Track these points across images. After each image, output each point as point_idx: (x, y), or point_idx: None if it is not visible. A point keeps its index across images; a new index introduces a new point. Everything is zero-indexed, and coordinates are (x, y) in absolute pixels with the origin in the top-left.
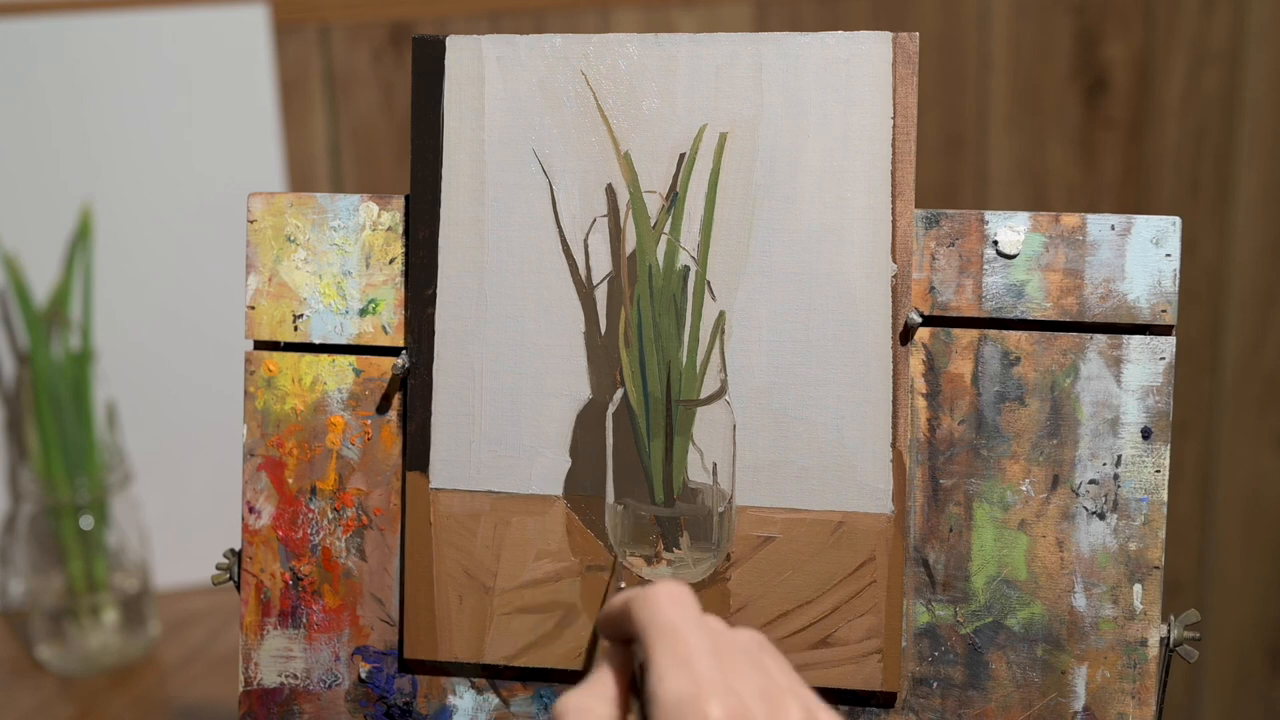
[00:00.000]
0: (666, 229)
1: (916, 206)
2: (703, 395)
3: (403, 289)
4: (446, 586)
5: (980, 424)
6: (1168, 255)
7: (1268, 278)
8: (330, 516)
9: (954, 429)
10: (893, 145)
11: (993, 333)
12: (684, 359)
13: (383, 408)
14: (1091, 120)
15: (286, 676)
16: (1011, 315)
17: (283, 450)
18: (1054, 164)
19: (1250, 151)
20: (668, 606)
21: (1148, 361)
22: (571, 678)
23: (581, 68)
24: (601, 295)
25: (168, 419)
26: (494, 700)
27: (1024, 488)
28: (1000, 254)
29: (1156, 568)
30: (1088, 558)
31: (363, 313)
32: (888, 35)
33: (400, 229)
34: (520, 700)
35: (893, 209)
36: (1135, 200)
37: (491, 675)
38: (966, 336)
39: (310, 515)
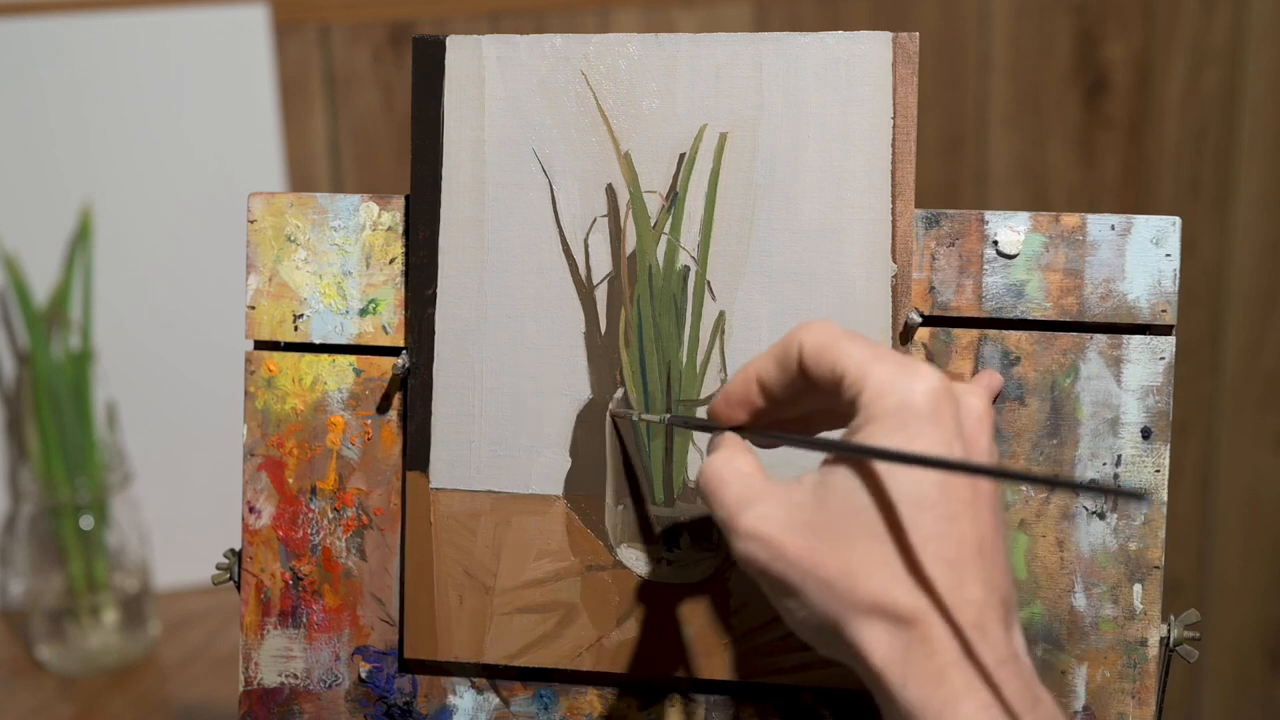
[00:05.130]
0: (666, 229)
1: (916, 206)
2: (703, 395)
3: (403, 289)
4: (446, 586)
5: None
6: (1168, 255)
7: (1268, 278)
8: (330, 516)
9: None
10: (893, 145)
11: (993, 333)
12: (684, 359)
13: (383, 408)
14: (1091, 120)
15: (286, 676)
16: (1011, 315)
17: (283, 450)
18: (1054, 164)
19: (1250, 151)
20: (833, 324)
21: (1148, 361)
22: (572, 677)
23: (582, 68)
24: (601, 295)
25: (168, 419)
26: (494, 700)
27: (1024, 487)
28: (1000, 254)
29: (1156, 568)
30: (1088, 558)
31: (363, 313)
32: (888, 35)
33: (400, 229)
34: (520, 700)
35: (893, 209)
36: (1135, 200)
37: (491, 675)
38: (966, 336)
39: (310, 515)
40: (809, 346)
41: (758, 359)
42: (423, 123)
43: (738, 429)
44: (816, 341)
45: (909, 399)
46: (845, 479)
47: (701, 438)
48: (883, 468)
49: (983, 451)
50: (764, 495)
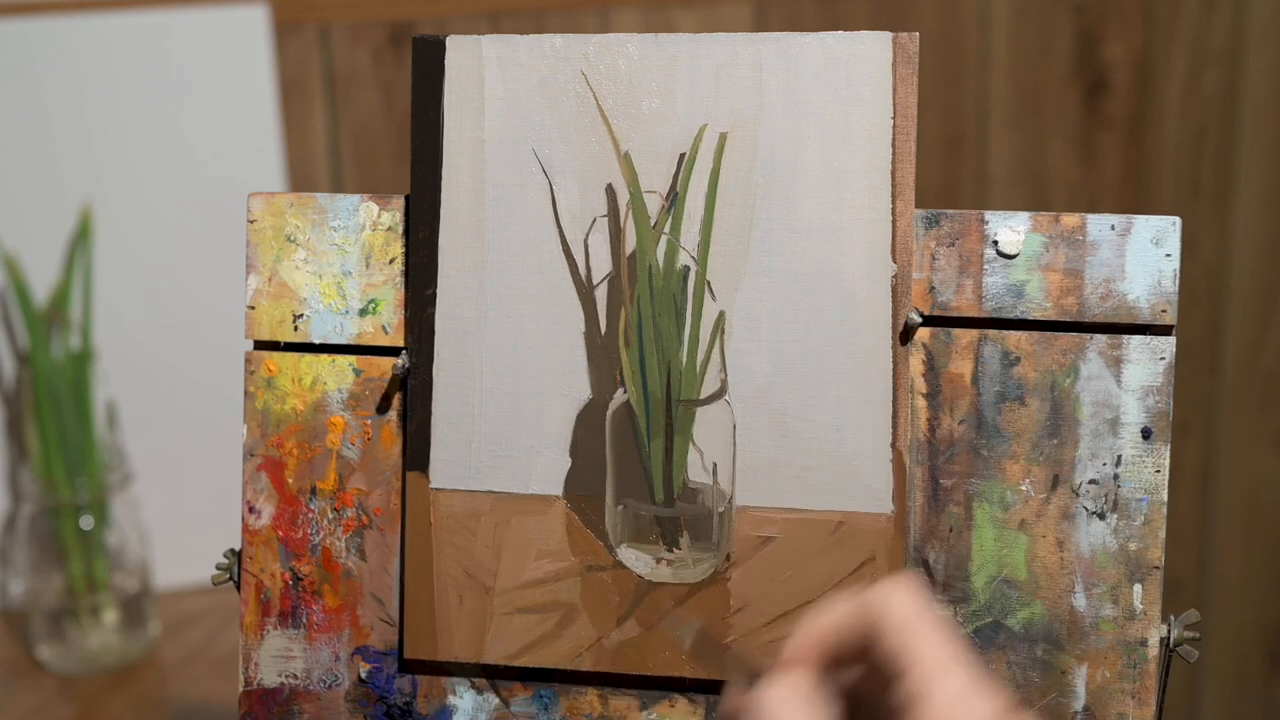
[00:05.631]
0: (666, 229)
1: (916, 206)
2: (703, 395)
3: (403, 289)
4: (446, 586)
5: (980, 424)
6: (1168, 255)
7: (1268, 278)
8: (330, 516)
9: (954, 429)
10: (893, 145)
11: (993, 333)
12: (684, 359)
13: (383, 408)
14: (1091, 120)
15: (286, 676)
16: (1011, 315)
17: (283, 450)
18: (1054, 164)
19: (1250, 151)
20: (922, 600)
21: (1148, 361)
22: (572, 677)
23: (581, 68)
24: (601, 295)
25: (168, 419)
26: (494, 700)
27: (1024, 488)
28: (1000, 254)
29: (1156, 568)
30: (1088, 558)
31: (363, 313)
32: (888, 35)
33: (400, 229)
34: (520, 700)
35: (893, 209)
36: (1135, 200)
37: (491, 675)
38: (966, 336)
39: (310, 515)
40: (894, 620)
41: (840, 607)
42: (423, 123)
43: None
44: (902, 620)
45: None
46: None
47: (702, 437)
48: None
49: None
50: None
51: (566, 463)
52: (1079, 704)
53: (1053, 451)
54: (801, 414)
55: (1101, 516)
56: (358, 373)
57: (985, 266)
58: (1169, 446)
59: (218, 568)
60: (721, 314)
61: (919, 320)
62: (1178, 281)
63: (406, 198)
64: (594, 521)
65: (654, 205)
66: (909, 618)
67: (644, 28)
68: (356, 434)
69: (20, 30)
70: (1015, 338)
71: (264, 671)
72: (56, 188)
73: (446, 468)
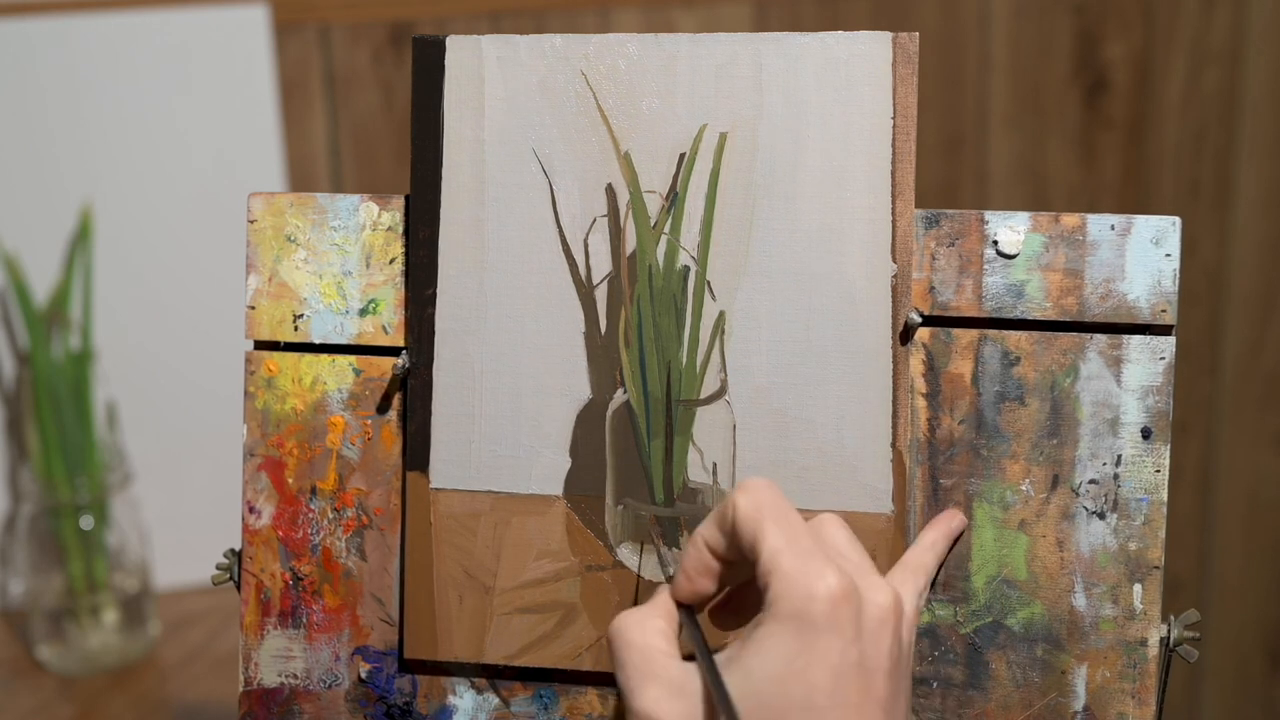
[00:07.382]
0: (666, 229)
1: (916, 206)
2: (703, 395)
3: (403, 289)
4: (446, 586)
5: (980, 424)
6: (1168, 255)
7: (1268, 278)
8: (330, 516)
9: (954, 429)
10: (893, 145)
11: (993, 333)
12: (684, 359)
13: (383, 408)
14: (1091, 120)
15: (286, 676)
16: (1011, 315)
17: (283, 450)
18: (1054, 164)
19: (1250, 151)
20: (769, 493)
21: (1148, 361)
22: (572, 677)
23: (581, 68)
24: (601, 295)
25: (168, 419)
26: (494, 700)
27: (1024, 488)
28: (1000, 254)
29: (1156, 568)
30: (1088, 558)
31: (363, 313)
32: (887, 35)
33: (400, 229)
34: (520, 700)
35: (893, 209)
36: (1135, 200)
37: (491, 675)
38: (966, 336)
39: (310, 515)
40: (740, 512)
41: (703, 523)
42: (423, 122)
43: (688, 608)
44: (746, 511)
45: (807, 607)
46: (740, 681)
47: (702, 437)
48: (775, 675)
49: (883, 654)
50: (664, 676)
51: (566, 463)
52: (1079, 704)
53: (1053, 451)
54: (801, 414)
55: (1101, 516)
56: (358, 373)
57: (985, 266)
58: (1169, 446)
59: (218, 568)
60: (721, 314)
61: (919, 320)
62: (1178, 281)
63: (406, 198)
64: (594, 521)
65: (654, 205)
66: (751, 511)
67: (644, 28)
68: (356, 434)
69: (20, 30)
70: (1015, 338)
71: (264, 671)
72: (56, 188)
73: (446, 468)
